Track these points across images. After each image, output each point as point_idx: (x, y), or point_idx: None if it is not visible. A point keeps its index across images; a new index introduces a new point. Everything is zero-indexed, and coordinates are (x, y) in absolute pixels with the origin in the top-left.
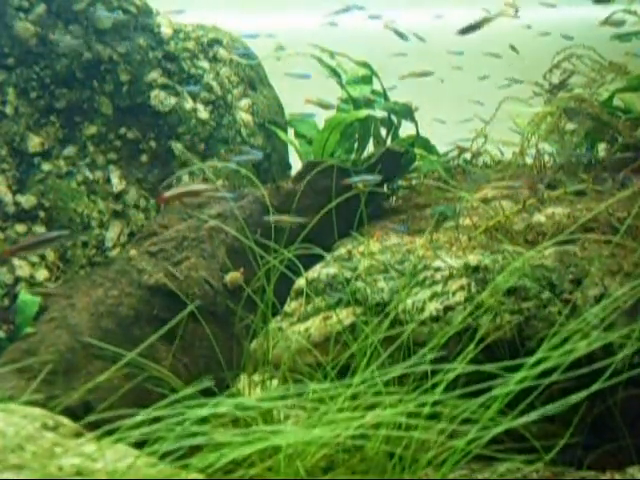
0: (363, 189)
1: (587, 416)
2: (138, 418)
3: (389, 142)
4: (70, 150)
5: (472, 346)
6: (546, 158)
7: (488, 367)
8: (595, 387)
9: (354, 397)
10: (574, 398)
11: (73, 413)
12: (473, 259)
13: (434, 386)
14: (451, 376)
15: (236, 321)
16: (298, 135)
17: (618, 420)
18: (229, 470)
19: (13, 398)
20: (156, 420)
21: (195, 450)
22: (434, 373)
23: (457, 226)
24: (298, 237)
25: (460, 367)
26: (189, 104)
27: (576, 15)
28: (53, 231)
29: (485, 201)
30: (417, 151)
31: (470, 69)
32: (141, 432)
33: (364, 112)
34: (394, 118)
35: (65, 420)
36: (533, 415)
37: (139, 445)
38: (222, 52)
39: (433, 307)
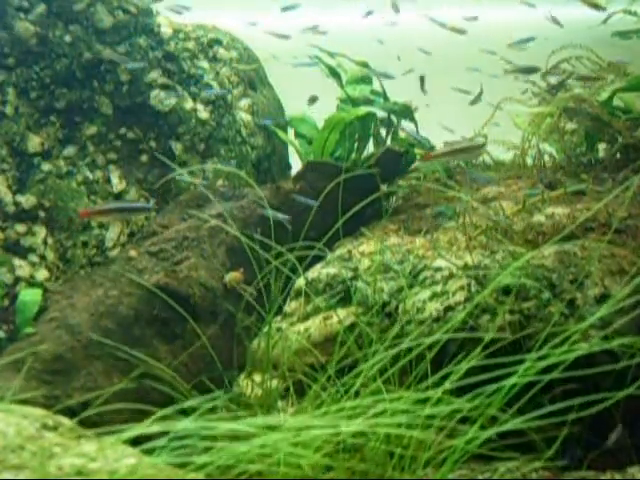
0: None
1: (587, 416)
2: (140, 429)
3: (389, 142)
4: (70, 150)
5: (473, 346)
6: (546, 158)
7: (489, 370)
8: (596, 387)
9: (355, 398)
10: (575, 398)
11: (73, 413)
12: (473, 259)
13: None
14: (452, 377)
15: (236, 321)
16: (298, 135)
17: (618, 420)
18: (228, 468)
19: (13, 398)
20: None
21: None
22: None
23: (458, 226)
24: (299, 237)
25: (463, 367)
26: (189, 104)
27: (576, 15)
28: (137, 203)
29: (485, 201)
30: (417, 151)
31: (470, 68)
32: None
33: (363, 109)
34: (394, 118)
35: (65, 420)
36: (534, 415)
37: (138, 443)
38: (222, 52)
39: (433, 307)
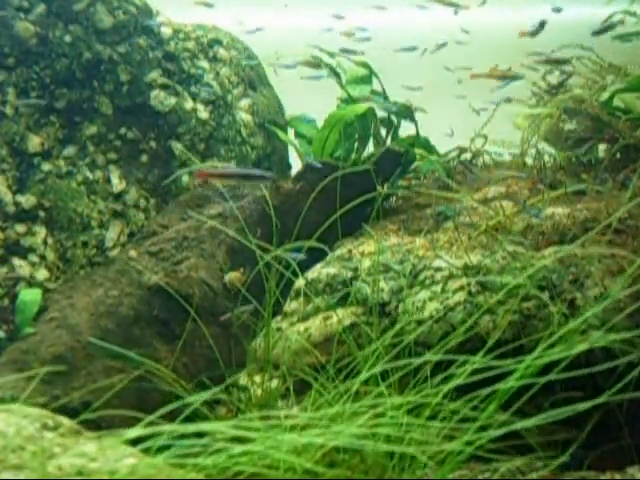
0: (381, 190)
1: (588, 416)
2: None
3: (389, 142)
4: (70, 150)
5: (473, 347)
6: (546, 158)
7: (489, 369)
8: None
9: (355, 398)
10: (575, 399)
11: (73, 413)
12: (473, 259)
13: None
14: (453, 377)
15: (236, 321)
16: (298, 135)
17: (619, 420)
18: (227, 468)
19: (13, 398)
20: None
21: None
22: (435, 374)
23: (457, 226)
24: (299, 236)
25: (463, 368)
26: (189, 104)
27: (575, 15)
28: (257, 170)
29: (485, 201)
30: (417, 151)
31: (469, 69)
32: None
33: (363, 106)
34: (394, 118)
35: (65, 420)
36: (535, 417)
37: (137, 443)
38: (222, 52)
39: (433, 307)
